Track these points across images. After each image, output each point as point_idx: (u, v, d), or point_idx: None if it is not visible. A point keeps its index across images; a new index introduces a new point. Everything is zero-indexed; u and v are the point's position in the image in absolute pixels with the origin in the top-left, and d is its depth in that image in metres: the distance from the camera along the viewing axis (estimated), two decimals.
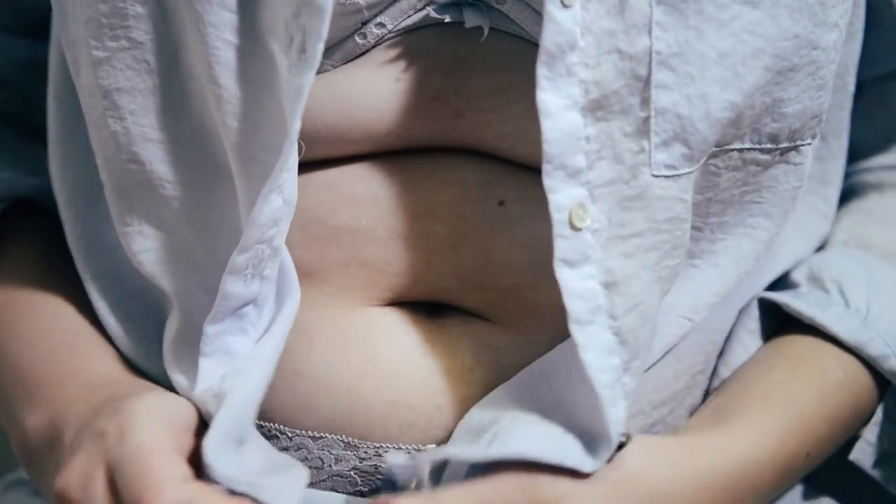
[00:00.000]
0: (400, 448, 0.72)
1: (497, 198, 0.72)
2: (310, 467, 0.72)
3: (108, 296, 0.77)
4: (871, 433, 0.79)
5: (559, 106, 0.66)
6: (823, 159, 0.83)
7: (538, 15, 0.68)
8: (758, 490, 0.73)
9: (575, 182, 0.66)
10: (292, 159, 0.67)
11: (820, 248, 0.86)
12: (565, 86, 0.66)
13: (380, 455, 0.72)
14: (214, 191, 0.71)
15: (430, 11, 0.69)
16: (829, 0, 0.70)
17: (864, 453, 0.80)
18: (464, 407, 0.72)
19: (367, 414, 0.72)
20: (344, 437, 0.72)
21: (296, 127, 0.65)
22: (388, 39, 0.70)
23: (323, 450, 0.72)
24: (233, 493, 0.64)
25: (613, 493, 0.68)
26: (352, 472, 0.72)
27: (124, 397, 0.69)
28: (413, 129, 0.71)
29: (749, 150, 0.72)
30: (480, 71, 0.71)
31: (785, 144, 0.73)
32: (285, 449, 0.72)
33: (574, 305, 0.66)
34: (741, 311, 0.81)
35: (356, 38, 0.70)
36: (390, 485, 0.69)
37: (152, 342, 0.76)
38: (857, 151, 0.87)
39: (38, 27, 0.85)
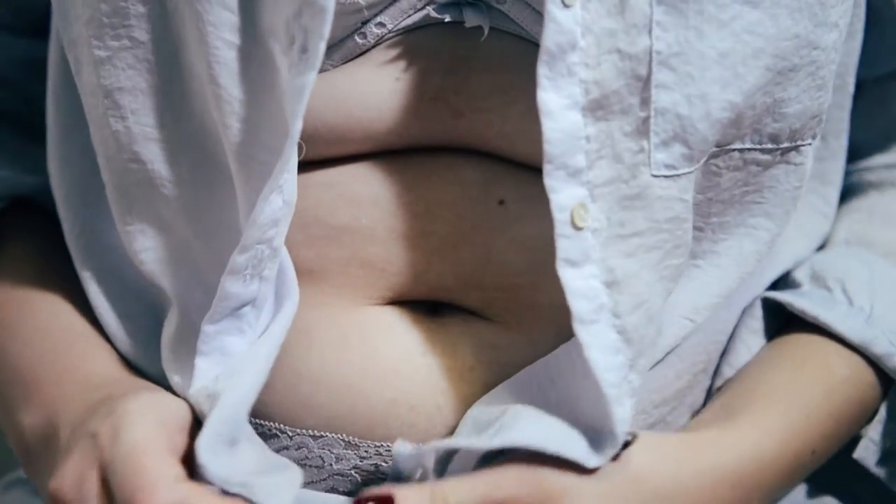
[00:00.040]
0: None
1: (497, 197, 0.72)
2: (310, 466, 0.73)
3: (106, 295, 0.77)
4: (874, 431, 0.80)
5: (560, 106, 0.66)
6: (823, 159, 0.83)
7: (538, 14, 0.68)
8: (764, 487, 0.73)
9: (575, 182, 0.67)
10: (293, 160, 0.67)
11: (820, 248, 0.86)
12: (566, 85, 0.66)
13: (380, 454, 0.72)
14: (215, 191, 0.71)
15: (430, 11, 0.69)
16: (828, 0, 0.70)
17: (867, 452, 0.80)
18: (464, 406, 0.72)
19: (367, 413, 0.72)
20: (344, 436, 0.72)
21: (297, 127, 0.65)
22: (388, 39, 0.70)
23: (323, 449, 0.72)
24: (226, 493, 0.64)
25: (618, 490, 0.68)
26: (352, 472, 0.72)
27: (119, 397, 0.69)
28: (413, 128, 0.71)
29: (750, 150, 0.72)
30: (480, 71, 0.71)
31: (786, 144, 0.73)
32: (286, 448, 0.73)
33: (577, 305, 0.66)
34: (744, 311, 0.81)
35: (356, 37, 0.70)
36: (395, 474, 0.69)
37: (150, 341, 0.76)
38: (857, 151, 0.87)
39: (38, 26, 0.85)
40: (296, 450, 0.72)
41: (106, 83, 0.71)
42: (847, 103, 0.83)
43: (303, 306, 0.71)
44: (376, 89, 0.71)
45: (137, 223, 0.73)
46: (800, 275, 0.82)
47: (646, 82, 0.67)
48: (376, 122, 0.71)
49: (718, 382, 0.80)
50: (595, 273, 0.67)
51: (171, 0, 0.69)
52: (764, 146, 0.72)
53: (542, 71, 0.65)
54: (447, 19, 0.70)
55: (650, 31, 0.67)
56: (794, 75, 0.70)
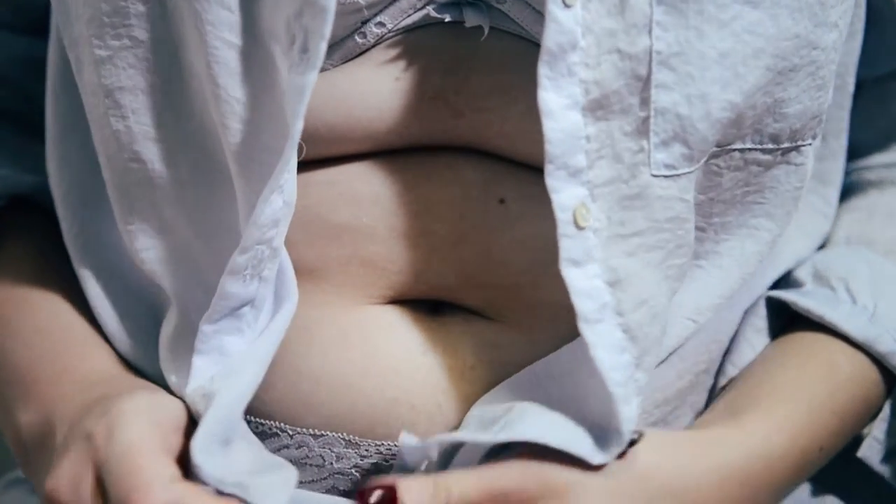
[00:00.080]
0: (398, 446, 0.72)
1: (498, 196, 0.72)
2: (311, 465, 0.73)
3: (105, 294, 0.77)
4: (878, 430, 0.80)
5: (560, 105, 0.66)
6: (823, 159, 0.83)
7: (538, 14, 0.68)
8: (772, 485, 0.74)
9: (576, 181, 0.67)
10: (293, 160, 0.67)
11: (821, 247, 0.86)
12: (566, 85, 0.66)
13: (381, 453, 0.72)
14: (215, 191, 0.71)
15: (430, 11, 0.69)
16: (828, 0, 0.70)
17: (871, 450, 0.80)
18: (465, 405, 0.72)
19: (368, 412, 0.72)
20: (345, 435, 0.72)
21: (298, 127, 0.65)
22: (387, 39, 0.70)
23: (324, 448, 0.72)
24: (221, 493, 0.64)
25: (624, 487, 0.68)
26: (353, 470, 0.72)
27: (114, 397, 0.69)
28: (413, 128, 0.71)
29: (751, 150, 0.72)
30: (480, 70, 0.71)
31: (786, 145, 0.73)
32: (286, 447, 0.73)
33: (582, 304, 0.67)
34: (748, 310, 0.81)
35: (356, 37, 0.70)
36: (400, 468, 0.70)
37: (149, 340, 0.76)
38: (857, 150, 0.87)
39: (38, 25, 0.85)
40: (296, 449, 0.73)
41: (106, 82, 0.71)
42: (847, 103, 0.83)
43: (303, 305, 0.71)
44: (376, 89, 0.71)
45: (138, 223, 0.73)
46: (802, 274, 0.82)
47: (646, 82, 0.67)
48: (376, 121, 0.71)
49: (722, 381, 0.80)
50: (598, 272, 0.67)
51: None
52: (765, 146, 0.72)
53: (543, 71, 0.65)
54: (447, 19, 0.70)
55: (650, 31, 0.67)
56: (795, 75, 0.70)
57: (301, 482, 0.73)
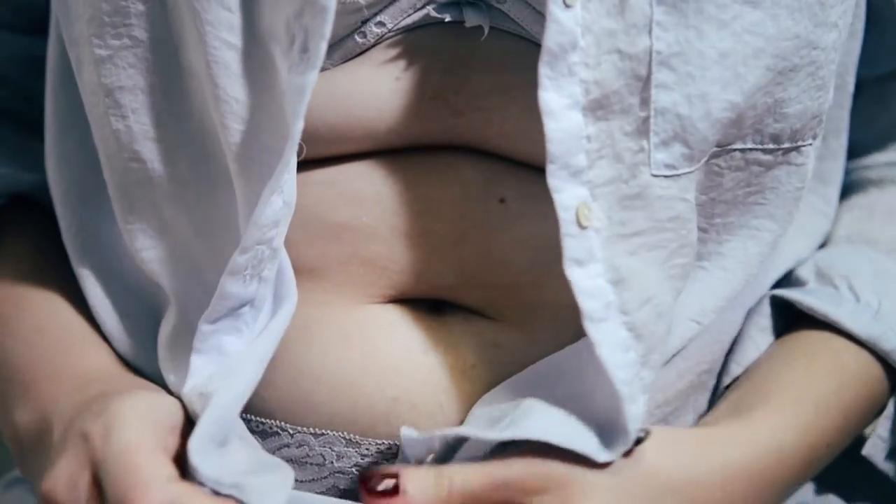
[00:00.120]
0: (399, 444, 0.72)
1: (498, 196, 0.72)
2: (311, 464, 0.73)
3: (104, 293, 0.77)
4: (882, 428, 0.80)
5: (561, 105, 0.66)
6: (823, 158, 0.83)
7: (538, 14, 0.68)
8: (780, 482, 0.74)
9: (577, 181, 0.67)
10: (293, 160, 0.67)
11: (821, 246, 0.86)
12: (566, 85, 0.66)
13: (382, 452, 0.72)
14: (215, 191, 0.71)
15: (430, 10, 0.69)
16: (828, 0, 0.70)
17: (875, 448, 0.81)
18: (466, 404, 0.72)
19: (368, 411, 0.72)
20: (346, 434, 0.72)
21: (298, 127, 0.65)
22: (387, 38, 0.70)
23: (325, 447, 0.72)
24: (217, 494, 0.64)
25: (629, 484, 0.68)
26: (353, 470, 0.73)
27: (110, 396, 0.69)
28: (413, 127, 0.71)
29: (751, 150, 0.72)
30: (480, 70, 0.71)
31: (787, 145, 0.73)
32: (287, 446, 0.73)
33: (586, 303, 0.67)
34: (752, 310, 0.81)
35: (356, 36, 0.70)
36: (402, 462, 0.70)
37: (147, 339, 0.76)
38: (856, 150, 0.87)
39: (38, 24, 0.85)
40: (297, 448, 0.73)
41: (106, 82, 0.71)
42: (847, 103, 0.83)
43: (304, 304, 0.71)
44: (376, 88, 0.71)
45: (138, 222, 0.73)
46: (804, 273, 0.83)
47: (646, 82, 0.67)
48: (376, 121, 0.71)
49: (727, 380, 0.80)
50: (601, 271, 0.67)
51: None
52: (765, 146, 0.72)
53: (544, 71, 0.65)
54: (447, 19, 0.70)
55: (650, 32, 0.67)
56: (795, 75, 0.70)
57: (301, 481, 0.73)
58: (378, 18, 0.69)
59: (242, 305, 0.70)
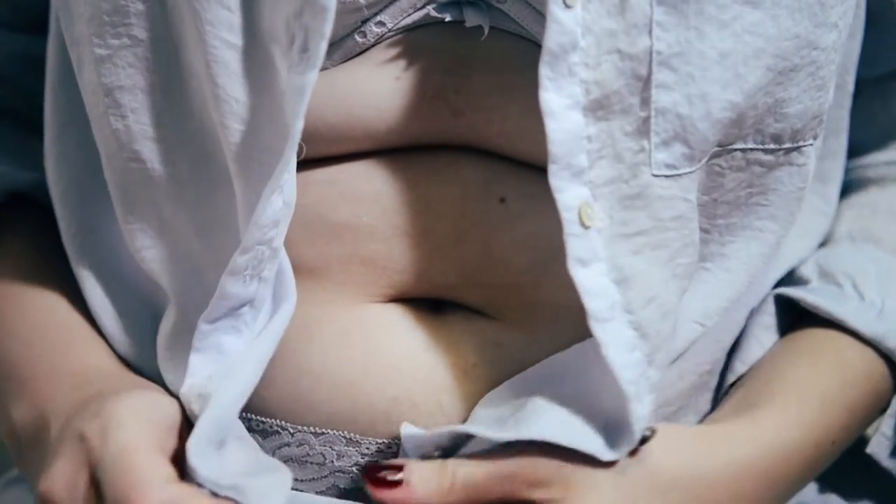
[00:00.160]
0: (399, 444, 0.72)
1: (498, 195, 0.72)
2: (312, 464, 0.73)
3: (103, 292, 0.77)
4: (886, 426, 0.81)
5: (561, 106, 0.66)
6: (823, 158, 0.83)
7: (538, 14, 0.68)
8: (786, 479, 0.74)
9: (579, 181, 0.67)
10: (293, 160, 0.67)
11: (821, 245, 0.86)
12: (567, 85, 0.66)
13: (382, 451, 0.72)
14: (215, 190, 0.71)
15: (430, 10, 0.69)
16: (828, 0, 0.70)
17: (880, 447, 0.81)
18: (466, 404, 0.72)
19: (369, 410, 0.72)
20: (346, 433, 0.72)
21: (298, 127, 0.65)
22: (387, 38, 0.70)
23: (325, 446, 0.72)
24: (216, 495, 0.64)
25: (634, 483, 0.68)
26: (353, 469, 0.73)
27: (107, 396, 0.69)
28: (413, 127, 0.71)
29: (752, 150, 0.72)
30: (481, 70, 0.71)
31: (788, 145, 0.73)
32: (287, 445, 0.73)
33: (592, 303, 0.67)
34: (756, 308, 0.81)
35: (356, 36, 0.70)
36: (404, 456, 0.70)
37: (146, 339, 0.76)
38: (856, 149, 0.87)
39: (36, 23, 0.85)
40: (297, 447, 0.73)
41: (106, 81, 0.71)
42: (847, 102, 0.83)
43: (304, 304, 0.71)
44: (376, 88, 0.71)
45: (138, 222, 0.73)
46: (807, 271, 0.83)
47: (646, 82, 0.67)
48: (376, 120, 0.71)
49: (731, 378, 0.80)
50: (604, 271, 0.67)
51: None
52: (766, 146, 0.72)
53: (544, 71, 0.65)
54: (447, 19, 0.69)
55: (650, 32, 0.67)
56: (795, 75, 0.70)
57: (302, 480, 0.73)
58: (378, 18, 0.69)
59: (242, 305, 0.70)
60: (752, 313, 0.81)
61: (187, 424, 0.69)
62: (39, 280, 0.80)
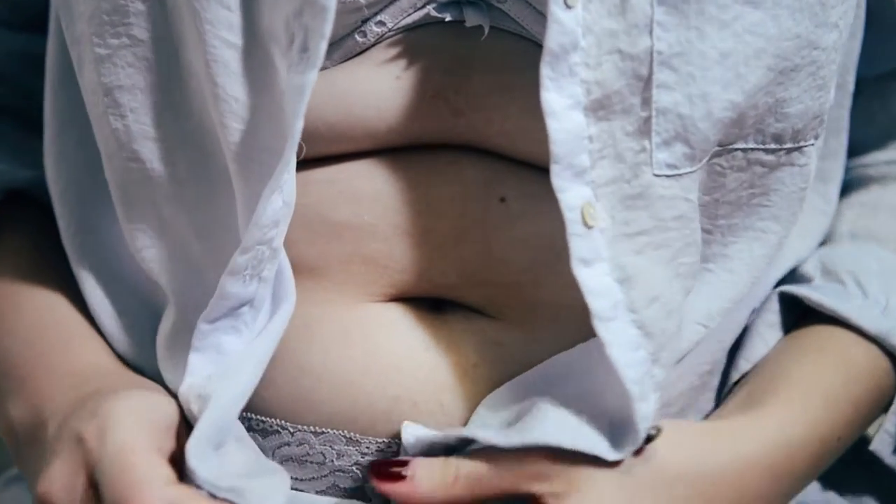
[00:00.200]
0: (400, 443, 0.72)
1: (498, 195, 0.72)
2: (312, 463, 0.73)
3: (103, 292, 0.77)
4: (890, 423, 0.81)
5: (563, 106, 0.66)
6: (823, 157, 0.83)
7: (539, 14, 0.68)
8: (792, 475, 0.74)
9: (581, 181, 0.67)
10: (293, 160, 0.67)
11: (822, 244, 0.86)
12: (568, 86, 0.66)
13: (382, 451, 0.72)
14: (214, 190, 0.71)
15: (430, 10, 0.69)
16: (829, 0, 0.70)
17: (883, 444, 0.81)
18: (467, 403, 0.72)
19: (369, 410, 0.72)
20: (346, 432, 0.72)
21: (298, 126, 0.65)
22: (388, 38, 0.70)
23: (325, 445, 0.72)
24: (214, 497, 0.64)
25: (638, 482, 0.69)
26: (353, 468, 0.73)
27: (105, 395, 0.69)
28: (413, 126, 0.71)
29: (753, 150, 0.72)
30: (481, 69, 0.71)
31: (789, 145, 0.73)
32: (287, 444, 0.73)
33: (595, 303, 0.67)
34: (760, 306, 0.82)
35: (356, 36, 0.70)
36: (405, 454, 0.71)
37: (146, 338, 0.76)
38: (856, 148, 0.87)
39: (36, 21, 0.84)
40: (297, 446, 0.73)
41: (106, 81, 0.71)
42: (847, 102, 0.83)
43: (304, 303, 0.71)
44: (376, 88, 0.71)
45: (138, 222, 0.73)
46: (809, 269, 0.83)
47: (647, 82, 0.67)
48: (376, 120, 0.71)
49: (735, 376, 0.80)
50: (607, 270, 0.67)
51: None
52: (767, 146, 0.72)
53: (545, 71, 0.65)
54: (448, 18, 0.69)
55: (651, 32, 0.67)
56: (796, 75, 0.70)
57: (302, 480, 0.73)
58: (378, 18, 0.69)
59: (242, 305, 0.70)
60: (756, 311, 0.81)
61: (184, 424, 0.69)
62: (38, 278, 0.80)
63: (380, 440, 0.72)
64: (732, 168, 0.72)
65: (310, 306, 0.72)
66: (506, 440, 0.67)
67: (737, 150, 0.72)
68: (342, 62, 0.70)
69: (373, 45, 0.70)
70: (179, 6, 0.69)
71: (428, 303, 0.73)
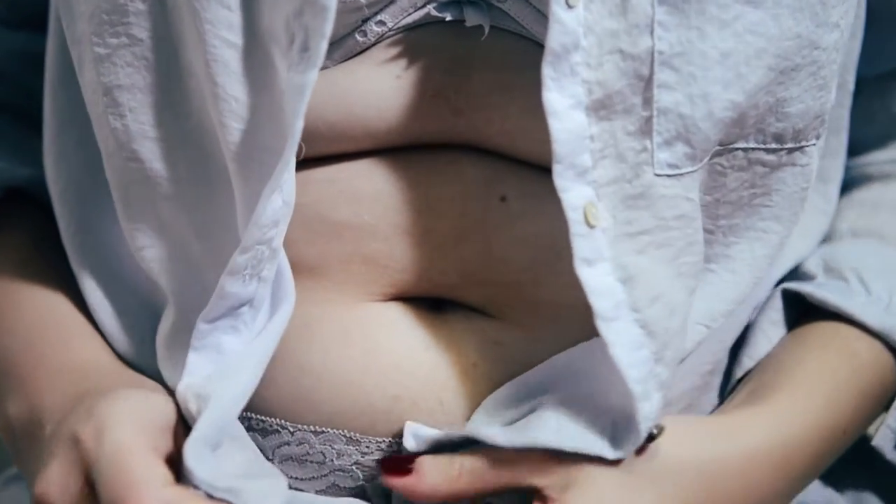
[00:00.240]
0: (400, 443, 0.72)
1: (499, 194, 0.72)
2: (312, 462, 0.73)
3: (102, 292, 0.77)
4: (892, 418, 0.81)
5: (564, 105, 0.66)
6: (823, 157, 0.83)
7: (539, 14, 0.68)
8: (797, 468, 0.74)
9: (583, 181, 0.67)
10: (293, 160, 0.67)
11: (823, 241, 0.86)
12: (569, 85, 0.66)
13: (382, 450, 0.72)
14: (214, 190, 0.71)
15: (430, 10, 0.69)
16: (830, 0, 0.70)
17: (885, 439, 0.81)
18: (467, 402, 0.72)
19: (369, 409, 0.72)
20: (346, 431, 0.72)
21: (298, 126, 0.65)
22: (388, 37, 0.70)
23: (325, 444, 0.72)
24: (212, 497, 0.64)
25: (640, 481, 0.69)
26: (353, 467, 0.73)
27: (102, 395, 0.69)
28: (413, 126, 0.71)
29: (754, 149, 0.72)
30: (481, 69, 0.71)
31: (790, 145, 0.73)
32: (287, 444, 0.73)
33: (598, 302, 0.67)
34: (763, 304, 0.82)
35: (356, 35, 0.70)
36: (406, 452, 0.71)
37: (145, 338, 0.76)
38: (856, 148, 0.87)
39: (35, 20, 0.84)
40: (297, 445, 0.73)
41: (105, 80, 0.71)
42: (847, 101, 0.83)
43: (304, 303, 0.71)
44: (376, 87, 0.71)
45: (138, 221, 0.73)
46: (811, 267, 0.83)
47: (648, 82, 0.67)
48: (376, 119, 0.71)
49: (739, 373, 0.80)
50: (609, 270, 0.67)
51: None
52: (768, 146, 0.72)
53: (547, 71, 0.65)
54: (448, 18, 0.69)
55: (652, 32, 0.67)
56: (796, 75, 0.70)
57: (302, 479, 0.73)
58: (378, 17, 0.69)
59: (241, 305, 0.70)
60: (759, 309, 0.82)
61: (183, 424, 0.69)
62: (37, 276, 0.80)
63: (380, 440, 0.72)
64: (733, 168, 0.72)
65: (310, 306, 0.72)
66: (508, 440, 0.67)
67: (738, 149, 0.72)
68: (342, 62, 0.70)
69: (373, 45, 0.70)
70: (179, 6, 0.69)
71: (428, 302, 0.73)
